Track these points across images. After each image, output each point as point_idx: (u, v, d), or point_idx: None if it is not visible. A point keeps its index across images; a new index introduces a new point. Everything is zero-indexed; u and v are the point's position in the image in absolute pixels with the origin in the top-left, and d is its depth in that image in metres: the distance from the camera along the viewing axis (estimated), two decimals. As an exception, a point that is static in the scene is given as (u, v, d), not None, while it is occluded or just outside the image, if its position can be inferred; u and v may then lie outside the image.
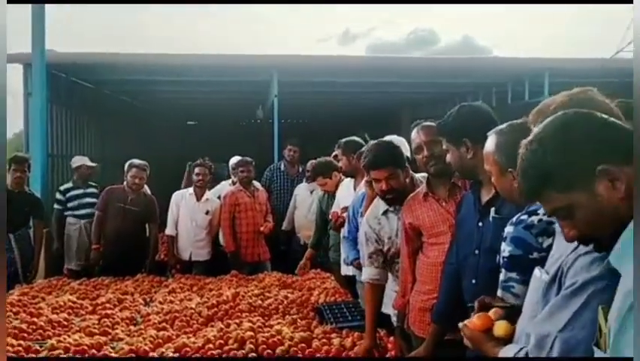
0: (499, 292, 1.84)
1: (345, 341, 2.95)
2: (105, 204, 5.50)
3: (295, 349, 2.85)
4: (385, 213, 2.98)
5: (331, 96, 9.97)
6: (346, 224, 4.18)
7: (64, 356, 2.85)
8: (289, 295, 4.11)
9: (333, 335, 3.08)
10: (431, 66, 8.63)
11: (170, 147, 10.97)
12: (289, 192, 6.49)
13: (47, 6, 6.22)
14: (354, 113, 11.19)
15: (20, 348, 2.92)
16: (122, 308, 3.97)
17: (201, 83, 8.59)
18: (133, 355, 2.81)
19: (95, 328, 3.35)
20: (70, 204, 5.97)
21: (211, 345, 2.93)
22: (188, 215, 5.75)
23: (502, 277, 1.83)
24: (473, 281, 2.21)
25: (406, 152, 3.21)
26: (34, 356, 2.89)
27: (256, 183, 6.06)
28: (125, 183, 5.58)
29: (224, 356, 2.80)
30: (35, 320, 3.48)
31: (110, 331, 3.36)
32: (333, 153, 4.82)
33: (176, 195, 5.89)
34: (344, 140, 4.67)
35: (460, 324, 1.72)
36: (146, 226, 5.65)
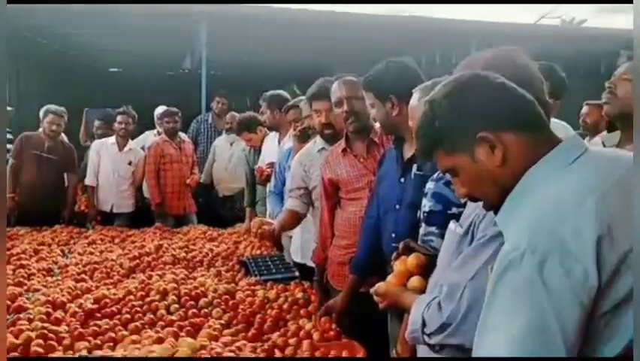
0: (419, 246, 1.91)
1: (269, 293, 2.99)
2: (20, 152, 5.24)
3: (219, 301, 2.87)
4: (321, 150, 3.02)
5: (262, 48, 9.77)
6: (272, 178, 4.19)
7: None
8: (214, 248, 4.09)
9: (258, 287, 3.11)
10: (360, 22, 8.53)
11: (92, 95, 10.50)
12: (216, 145, 6.41)
13: None
14: (286, 66, 11.03)
15: None
16: (38, 259, 3.83)
17: (126, 28, 8.19)
18: (49, 306, 2.73)
19: (9, 278, 3.23)
20: None
21: (132, 296, 2.89)
22: (110, 165, 5.58)
23: (422, 231, 1.90)
24: (393, 235, 2.28)
25: None
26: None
27: (182, 135, 5.93)
28: (41, 130, 5.33)
29: (144, 306, 2.78)
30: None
31: (25, 282, 3.25)
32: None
33: (96, 144, 5.68)
34: (269, 93, 4.63)
35: (372, 290, 1.78)
36: (65, 175, 5.44)
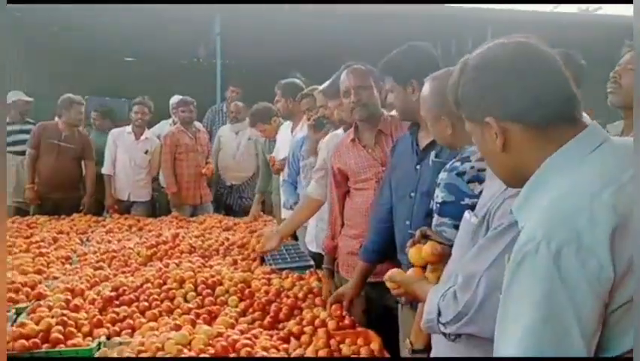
0: (432, 237, 1.91)
1: (284, 282, 3.01)
2: (38, 141, 5.31)
3: (235, 289, 2.89)
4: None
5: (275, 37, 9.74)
6: (286, 168, 4.20)
7: None
8: (230, 237, 4.12)
9: (273, 276, 3.14)
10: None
11: (108, 84, 10.54)
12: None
13: None
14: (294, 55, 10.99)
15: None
16: (57, 247, 3.90)
17: (142, 17, 8.21)
18: (69, 293, 2.78)
19: (28, 266, 3.28)
20: (7, 140, 5.73)
21: (150, 284, 2.93)
22: (127, 154, 5.62)
23: (434, 222, 1.89)
24: (407, 223, 2.27)
25: None
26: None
27: (197, 124, 5.95)
28: (58, 119, 5.38)
29: (162, 294, 2.81)
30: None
31: (44, 269, 3.30)
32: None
33: (113, 133, 5.72)
34: (283, 81, 4.63)
35: (386, 276, 1.79)
36: (82, 164, 5.51)
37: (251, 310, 2.72)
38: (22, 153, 5.59)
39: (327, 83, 3.22)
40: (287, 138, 4.51)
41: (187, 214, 5.35)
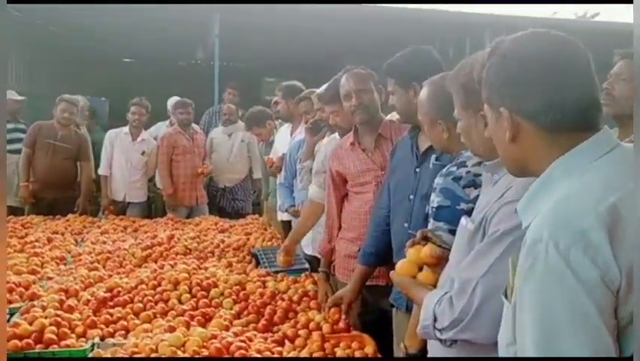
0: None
1: (279, 285, 3.00)
2: (33, 140, 5.29)
3: (230, 291, 2.89)
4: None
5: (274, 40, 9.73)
6: (282, 171, 4.19)
7: None
8: (225, 239, 4.12)
9: (268, 278, 3.13)
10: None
11: (106, 84, 10.53)
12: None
13: None
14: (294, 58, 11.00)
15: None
16: (51, 248, 3.88)
17: (141, 18, 8.20)
18: (63, 294, 2.77)
19: (22, 266, 3.27)
20: None
21: (144, 286, 2.92)
22: (123, 155, 5.60)
23: (430, 226, 1.89)
24: (405, 225, 2.27)
25: None
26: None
27: (195, 126, 5.94)
28: (54, 118, 5.37)
29: (156, 296, 2.80)
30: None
31: (38, 270, 3.29)
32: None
33: (110, 134, 5.70)
34: (285, 83, 4.64)
35: (392, 273, 1.79)
36: (78, 164, 5.49)
37: (245, 312, 2.71)
38: (17, 151, 5.57)
39: (323, 87, 3.22)
40: (286, 140, 4.51)
41: (183, 216, 5.35)
